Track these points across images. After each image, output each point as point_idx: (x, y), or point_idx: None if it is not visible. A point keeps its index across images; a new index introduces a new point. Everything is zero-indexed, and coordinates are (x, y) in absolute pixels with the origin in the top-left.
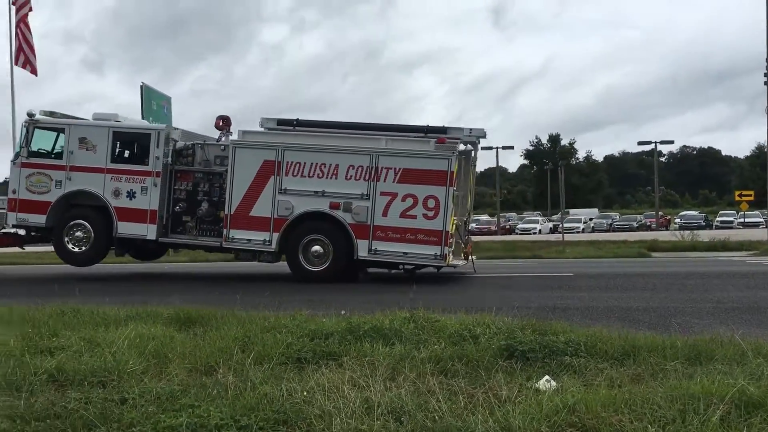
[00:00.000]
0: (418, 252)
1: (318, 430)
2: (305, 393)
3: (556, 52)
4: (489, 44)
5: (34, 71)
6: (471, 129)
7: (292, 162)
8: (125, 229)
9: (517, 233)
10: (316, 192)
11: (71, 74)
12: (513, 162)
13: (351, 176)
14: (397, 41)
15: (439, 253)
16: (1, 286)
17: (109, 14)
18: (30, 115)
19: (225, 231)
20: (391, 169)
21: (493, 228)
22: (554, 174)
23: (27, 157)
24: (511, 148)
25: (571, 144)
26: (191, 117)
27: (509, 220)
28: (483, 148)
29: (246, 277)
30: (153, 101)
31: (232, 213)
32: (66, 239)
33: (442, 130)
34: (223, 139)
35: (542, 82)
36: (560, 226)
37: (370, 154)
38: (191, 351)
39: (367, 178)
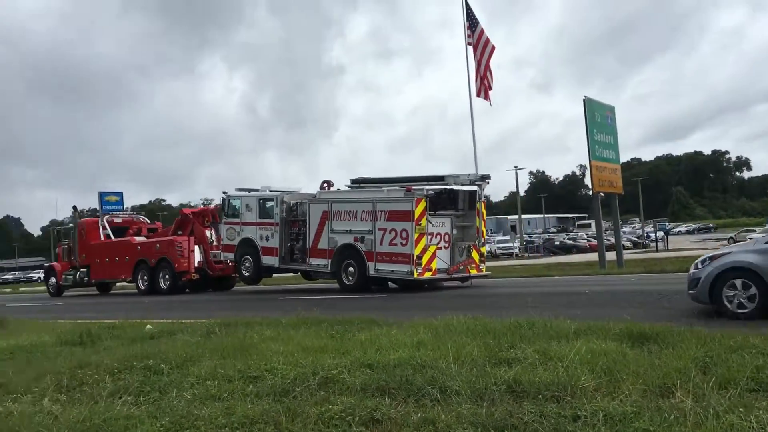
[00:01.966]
0: (398, 269)
1: None
2: None
3: None
4: None
5: (488, 99)
6: (469, 174)
7: (335, 211)
8: (265, 261)
9: None
10: (347, 231)
11: (522, 98)
12: None
13: (364, 218)
14: None
15: (409, 270)
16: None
17: (554, 34)
18: (225, 193)
19: (308, 259)
20: (383, 211)
21: None
22: None
23: (225, 219)
24: None
25: None
26: (637, 122)
27: None
28: None
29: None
30: (596, 113)
31: (309, 246)
32: (242, 269)
33: (440, 178)
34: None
35: None
36: None
37: (372, 202)
38: (645, 370)
39: (371, 218)
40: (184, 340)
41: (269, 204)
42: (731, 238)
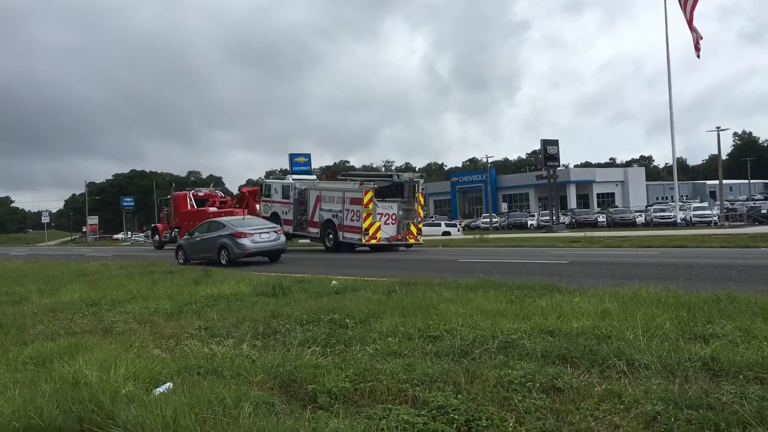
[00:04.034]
0: (355, 237)
1: None
2: None
3: None
4: None
5: (698, 50)
6: (410, 174)
7: (323, 196)
8: (285, 228)
9: None
10: (329, 210)
11: (728, 50)
12: None
13: (338, 201)
14: None
15: (360, 238)
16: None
17: None
18: (262, 178)
19: (308, 228)
20: (348, 198)
21: None
22: None
23: (263, 198)
24: None
25: None
26: None
27: None
28: None
29: None
30: None
31: (308, 220)
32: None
33: (389, 176)
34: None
35: None
36: None
37: (342, 191)
38: None
39: (341, 202)
40: (366, 297)
41: (287, 189)
42: None
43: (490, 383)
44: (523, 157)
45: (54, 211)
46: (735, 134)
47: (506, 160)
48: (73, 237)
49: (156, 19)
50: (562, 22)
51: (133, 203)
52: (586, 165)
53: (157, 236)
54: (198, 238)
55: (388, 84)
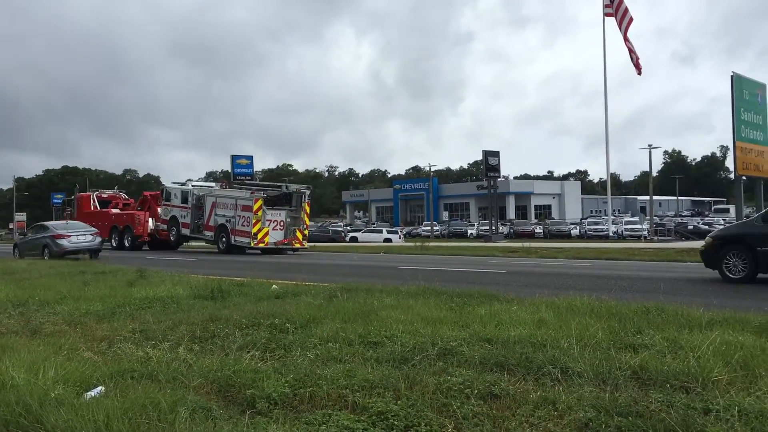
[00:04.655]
0: (246, 240)
1: None
2: None
3: None
4: None
5: (639, 69)
6: (297, 186)
7: (218, 202)
8: (183, 231)
9: None
10: (223, 215)
11: (663, 70)
12: None
13: (231, 207)
14: None
15: (249, 241)
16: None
17: (703, 2)
18: (163, 184)
19: (204, 232)
20: (240, 205)
21: None
22: None
23: (163, 202)
24: None
25: None
26: None
27: None
28: None
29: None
30: (745, 90)
31: (204, 223)
32: (171, 235)
33: (279, 186)
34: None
35: None
36: None
37: (235, 198)
38: None
39: (234, 209)
40: (307, 302)
41: (186, 194)
42: None
43: (429, 389)
44: (465, 167)
45: None
46: (665, 152)
47: (449, 170)
48: None
49: (93, 8)
50: (506, 36)
51: (62, 200)
52: (526, 177)
53: None
54: (29, 238)
55: (334, 89)
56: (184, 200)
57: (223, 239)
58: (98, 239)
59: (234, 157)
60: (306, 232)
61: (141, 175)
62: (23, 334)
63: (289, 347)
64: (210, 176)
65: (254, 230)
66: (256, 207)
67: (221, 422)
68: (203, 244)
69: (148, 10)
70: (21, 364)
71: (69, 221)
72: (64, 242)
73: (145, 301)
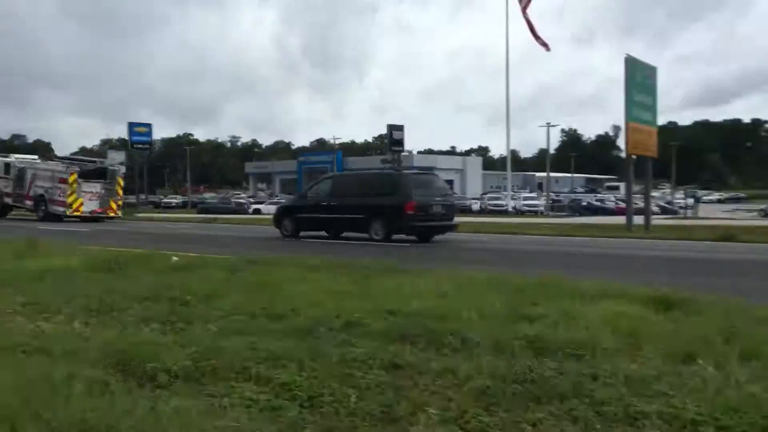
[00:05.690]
0: (62, 210)
1: None
2: None
3: None
4: None
5: (542, 45)
6: (113, 160)
7: (38, 175)
8: (5, 200)
9: None
10: (41, 186)
11: (563, 51)
12: None
13: (49, 180)
14: None
15: (64, 210)
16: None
17: None
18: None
19: (25, 201)
20: (57, 177)
21: None
22: None
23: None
24: None
25: None
26: (678, 84)
27: None
28: None
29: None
30: (637, 73)
31: (25, 194)
32: None
33: (94, 161)
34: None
35: None
36: None
37: (52, 171)
38: (668, 336)
39: (52, 181)
40: (209, 274)
41: (8, 166)
42: (762, 209)
43: (333, 361)
44: (370, 140)
45: None
46: (563, 130)
47: (353, 143)
48: None
49: None
50: (411, 10)
51: None
52: (429, 152)
53: None
54: None
55: (235, 55)
56: (7, 171)
57: (42, 208)
58: None
59: (131, 125)
60: (120, 203)
61: (31, 141)
62: None
63: (190, 320)
64: (106, 144)
65: (69, 200)
66: (71, 180)
67: (120, 396)
68: (23, 212)
69: None
70: None
71: None
72: None
73: (37, 273)
